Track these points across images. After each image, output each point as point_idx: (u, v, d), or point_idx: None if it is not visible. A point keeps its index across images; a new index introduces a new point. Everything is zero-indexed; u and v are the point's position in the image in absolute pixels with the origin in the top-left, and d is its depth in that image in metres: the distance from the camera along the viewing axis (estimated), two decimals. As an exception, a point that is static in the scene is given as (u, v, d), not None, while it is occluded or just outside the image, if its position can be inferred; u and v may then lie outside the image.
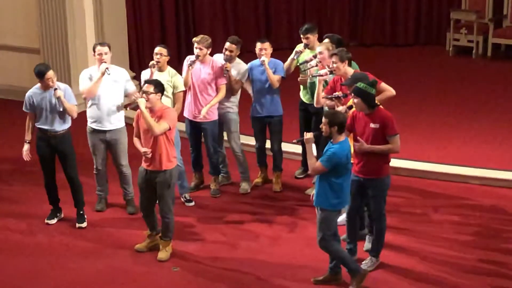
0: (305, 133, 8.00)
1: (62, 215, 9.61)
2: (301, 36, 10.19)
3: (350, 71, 8.87)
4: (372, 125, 8.09)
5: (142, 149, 8.53)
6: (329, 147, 7.81)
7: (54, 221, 9.52)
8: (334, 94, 8.80)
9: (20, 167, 10.92)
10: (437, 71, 14.86)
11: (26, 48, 13.52)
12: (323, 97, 9.09)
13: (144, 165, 8.61)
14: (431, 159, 10.88)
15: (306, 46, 10.07)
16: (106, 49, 9.46)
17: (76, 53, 12.91)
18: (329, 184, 7.81)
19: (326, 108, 9.09)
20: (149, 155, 8.47)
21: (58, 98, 9.09)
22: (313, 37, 10.13)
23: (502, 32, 15.54)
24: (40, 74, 9.13)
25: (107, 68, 9.31)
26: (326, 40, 9.73)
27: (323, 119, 7.83)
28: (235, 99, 10.16)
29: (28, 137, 9.35)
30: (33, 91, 9.29)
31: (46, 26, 13.04)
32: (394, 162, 10.36)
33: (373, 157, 8.09)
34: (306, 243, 8.95)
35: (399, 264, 8.50)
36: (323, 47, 9.43)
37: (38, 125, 9.28)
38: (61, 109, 9.16)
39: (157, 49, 9.63)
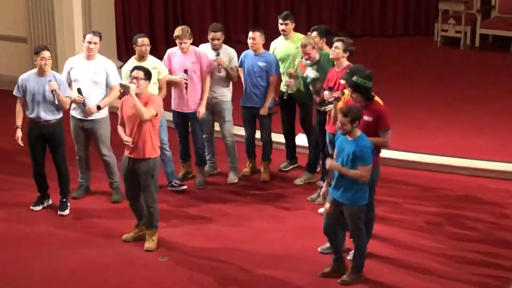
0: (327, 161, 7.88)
1: (50, 202, 9.58)
2: (280, 22, 10.14)
3: (345, 62, 8.95)
4: (366, 118, 8.02)
5: (125, 138, 8.50)
6: (356, 145, 7.64)
7: (39, 208, 9.50)
8: (333, 95, 8.76)
9: (8, 156, 10.90)
10: (425, 61, 14.90)
11: (14, 37, 13.46)
12: (325, 97, 9.02)
13: (126, 153, 8.57)
14: (420, 150, 10.89)
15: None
16: (96, 39, 9.43)
17: (64, 42, 12.86)
18: (355, 180, 7.70)
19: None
20: (131, 145, 8.44)
21: (53, 91, 9.04)
22: (291, 25, 10.11)
23: (490, 22, 15.58)
24: (36, 51, 9.09)
25: (84, 103, 9.34)
26: (314, 33, 9.71)
27: (342, 118, 7.63)
28: (229, 86, 10.12)
29: (19, 122, 9.26)
30: (28, 75, 9.20)
31: (33, 15, 12.99)
32: (383, 153, 10.40)
33: None
34: (295, 233, 8.96)
35: (387, 254, 8.51)
36: (306, 40, 9.40)
37: (29, 115, 9.21)
38: (56, 102, 9.11)
39: (142, 40, 9.59)
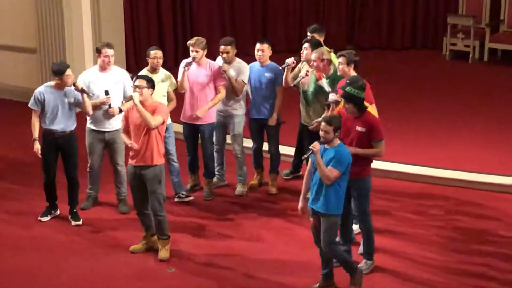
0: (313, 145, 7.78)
1: (58, 212, 9.63)
2: (308, 34, 10.31)
3: (352, 74, 8.92)
4: (358, 128, 8.05)
5: (128, 142, 8.55)
6: (335, 151, 7.67)
7: (47, 218, 9.53)
8: (332, 98, 8.77)
9: (18, 166, 10.95)
10: (434, 75, 14.90)
11: (23, 47, 13.51)
12: (325, 103, 9.05)
13: (132, 162, 8.60)
14: (426, 163, 10.87)
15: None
16: (112, 51, 9.49)
17: (73, 53, 12.90)
18: (338, 188, 7.72)
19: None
20: (136, 147, 8.48)
21: (82, 90, 9.11)
22: (318, 37, 10.17)
23: (499, 37, 15.59)
24: (60, 72, 9.11)
25: (110, 104, 9.37)
26: (306, 45, 9.77)
27: (326, 126, 7.66)
28: (241, 100, 10.14)
29: (36, 134, 9.27)
30: (45, 88, 9.25)
31: (43, 26, 13.04)
32: (388, 166, 10.46)
33: (356, 158, 8.05)
34: (301, 246, 8.95)
35: (392, 267, 8.49)
36: (318, 51, 9.43)
37: (46, 126, 9.25)
38: (74, 109, 9.19)
39: (155, 53, 9.63)
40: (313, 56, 9.37)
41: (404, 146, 11.37)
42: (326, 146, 7.75)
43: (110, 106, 9.42)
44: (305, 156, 7.80)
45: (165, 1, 14.96)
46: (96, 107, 9.44)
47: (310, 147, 7.73)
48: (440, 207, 9.93)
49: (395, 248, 8.90)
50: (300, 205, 8.05)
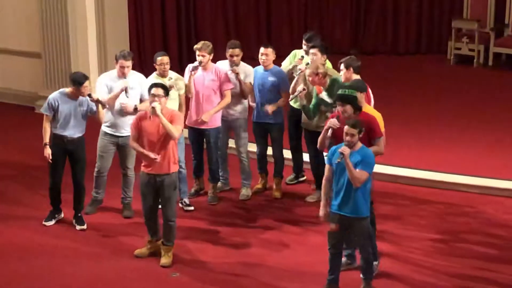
0: (342, 148, 7.66)
1: (62, 215, 9.63)
2: (304, 42, 10.30)
3: (355, 77, 8.91)
4: None
5: (152, 155, 8.46)
6: (362, 154, 7.64)
7: (52, 222, 9.54)
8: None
9: (23, 171, 10.97)
10: (438, 79, 14.91)
11: (27, 52, 13.54)
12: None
13: (145, 170, 8.58)
14: (430, 167, 10.86)
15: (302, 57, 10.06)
16: (129, 63, 9.47)
17: (78, 57, 12.92)
18: (364, 190, 7.71)
19: None
20: (159, 160, 8.45)
21: (97, 101, 9.15)
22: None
23: (503, 41, 15.58)
24: (78, 83, 9.12)
25: (126, 87, 9.34)
26: (314, 50, 9.77)
27: (351, 129, 7.60)
28: (244, 104, 10.16)
29: (47, 139, 9.27)
30: (59, 95, 9.26)
31: (47, 30, 13.06)
32: (392, 170, 10.45)
33: None
34: (306, 250, 8.96)
35: (396, 271, 8.49)
36: (309, 71, 9.39)
37: (56, 131, 9.27)
38: (86, 117, 9.24)
39: (161, 59, 9.60)
40: (307, 72, 9.35)
41: (407, 150, 11.36)
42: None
43: (127, 91, 9.33)
44: (338, 160, 7.68)
45: (170, 6, 14.99)
46: (115, 99, 9.37)
47: (340, 151, 7.64)
48: (443, 211, 9.92)
49: (398, 252, 8.89)
50: (322, 211, 7.98)
